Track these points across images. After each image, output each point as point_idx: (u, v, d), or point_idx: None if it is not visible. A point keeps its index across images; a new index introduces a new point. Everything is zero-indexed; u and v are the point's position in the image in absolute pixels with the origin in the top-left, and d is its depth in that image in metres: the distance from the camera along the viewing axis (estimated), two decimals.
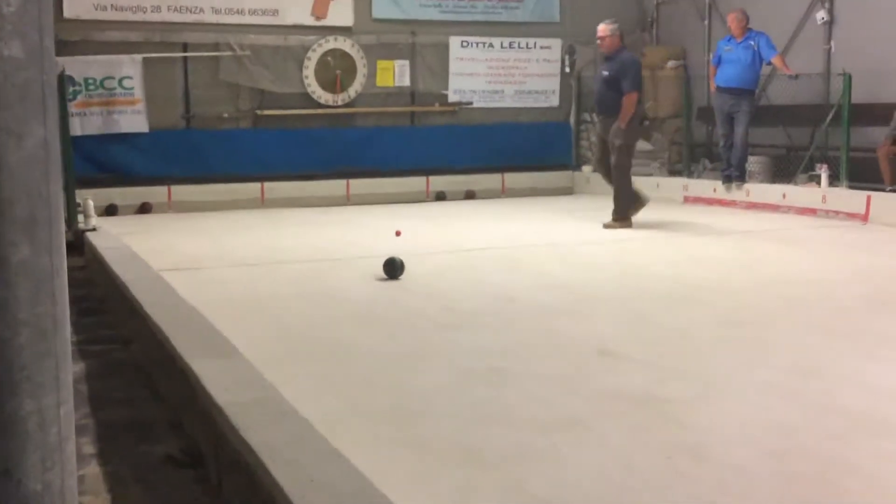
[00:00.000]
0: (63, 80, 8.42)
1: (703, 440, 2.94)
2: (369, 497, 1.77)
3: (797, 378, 3.64)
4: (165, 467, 2.46)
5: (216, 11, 10.79)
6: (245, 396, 2.37)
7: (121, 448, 2.65)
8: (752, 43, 9.34)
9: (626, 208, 8.14)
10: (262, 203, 10.57)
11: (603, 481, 2.63)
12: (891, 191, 8.39)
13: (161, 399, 3.13)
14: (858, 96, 8.86)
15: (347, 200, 10.92)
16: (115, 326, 4.59)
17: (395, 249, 6.25)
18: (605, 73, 8.15)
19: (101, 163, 10.29)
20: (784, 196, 9.04)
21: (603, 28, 8.20)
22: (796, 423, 3.10)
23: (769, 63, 9.39)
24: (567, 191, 11.94)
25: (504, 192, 11.64)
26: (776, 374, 3.68)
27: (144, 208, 10.18)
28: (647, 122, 8.60)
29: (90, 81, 10.29)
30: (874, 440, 2.94)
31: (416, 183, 11.31)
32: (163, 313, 3.51)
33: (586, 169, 12.07)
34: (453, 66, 11.91)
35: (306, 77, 11.18)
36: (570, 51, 12.25)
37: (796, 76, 9.36)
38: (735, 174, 9.62)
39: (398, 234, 7.58)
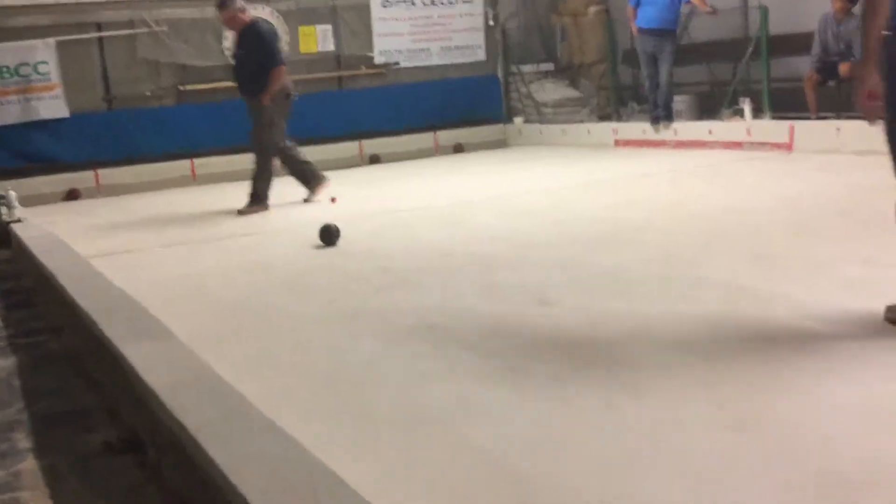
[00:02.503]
0: None
1: (639, 377, 2.99)
2: (308, 466, 1.77)
3: (729, 307, 3.72)
4: (104, 455, 2.44)
5: None
6: (178, 377, 2.34)
7: (57, 440, 2.61)
8: None
9: (263, 190, 7.62)
10: (194, 180, 10.39)
11: (544, 428, 2.66)
12: (817, 118, 8.57)
13: (96, 387, 3.08)
14: (777, 28, 8.99)
15: (280, 170, 10.76)
16: (46, 317, 4.50)
17: (332, 216, 6.20)
18: (241, 50, 7.65)
19: (22, 152, 10.00)
20: (710, 132, 9.17)
21: (219, 15, 7.80)
22: (730, 351, 3.17)
23: (688, 2, 9.46)
24: (500, 144, 11.95)
25: (437, 150, 11.61)
26: (708, 305, 3.76)
27: (72, 195, 9.93)
28: (294, 97, 7.85)
29: (4, 69, 9.96)
30: (803, 358, 3.03)
31: (348, 148, 11.21)
32: (92, 300, 3.45)
33: (518, 121, 12.11)
34: (377, 28, 11.78)
35: (227, 49, 10.93)
36: (492, 4, 12.19)
37: (714, 12, 9.45)
38: (662, 114, 9.72)
39: (333, 200, 7.52)
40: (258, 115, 7.51)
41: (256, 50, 7.45)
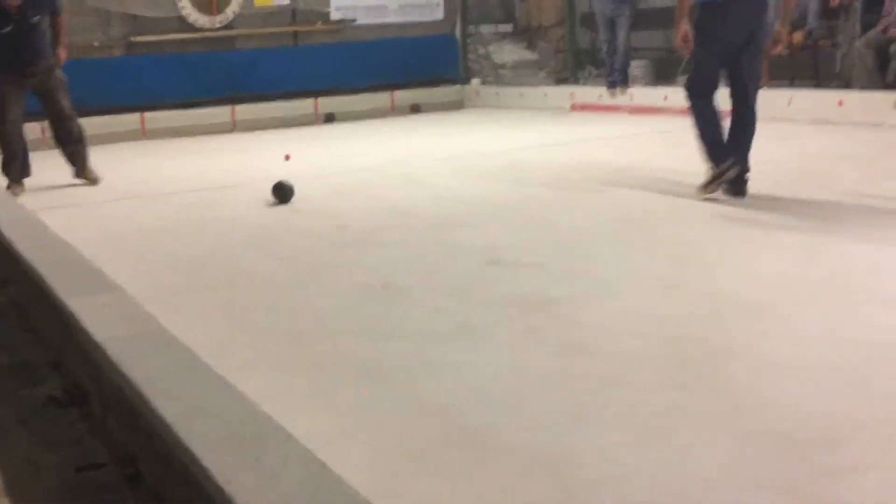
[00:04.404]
0: None
1: (593, 336, 3.01)
2: (256, 420, 1.74)
3: (682, 270, 3.76)
4: (48, 408, 2.39)
5: None
6: (125, 330, 2.29)
7: (1, 393, 2.55)
8: None
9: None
10: (144, 134, 10.16)
11: (497, 384, 2.67)
12: (767, 86, 8.63)
13: (41, 340, 3.02)
14: None
15: (233, 127, 10.60)
16: None
17: (286, 174, 6.11)
18: (34, 18, 6.42)
19: None
20: (666, 98, 9.19)
21: None
22: (681, 312, 3.21)
23: None
24: (457, 105, 11.88)
25: (394, 110, 11.50)
26: (663, 268, 3.80)
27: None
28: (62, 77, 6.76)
29: None
30: (751, 322, 3.07)
31: (303, 105, 11.05)
32: (37, 252, 3.35)
33: (475, 82, 12.03)
34: None
35: (180, 0, 10.68)
36: None
37: None
38: (619, 79, 9.72)
39: (287, 157, 7.42)
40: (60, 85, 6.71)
41: (44, 9, 6.54)
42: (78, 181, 6.82)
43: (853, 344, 2.82)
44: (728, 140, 5.02)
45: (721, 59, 4.95)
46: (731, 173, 4.91)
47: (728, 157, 4.91)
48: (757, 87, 5.04)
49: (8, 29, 6.31)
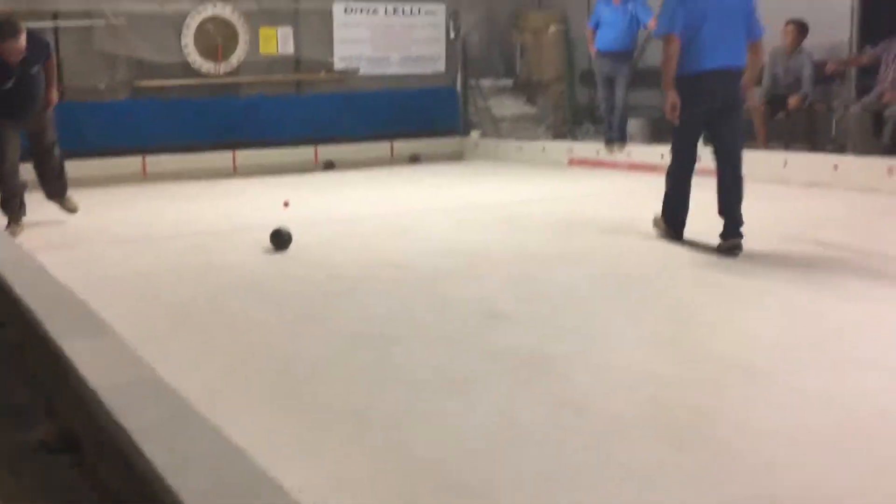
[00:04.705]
0: None
1: (584, 393, 3.03)
2: (247, 470, 1.75)
3: (674, 329, 3.79)
4: (39, 453, 2.39)
5: None
6: (119, 377, 2.31)
7: None
8: (630, 7, 9.54)
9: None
10: (145, 177, 10.23)
11: (487, 438, 2.68)
12: (764, 149, 8.75)
13: (35, 384, 3.02)
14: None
15: (234, 172, 10.68)
16: None
17: (284, 220, 6.16)
18: (34, 70, 6.48)
19: None
20: (662, 156, 9.23)
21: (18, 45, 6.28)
22: (672, 372, 3.23)
23: (646, 27, 9.61)
24: (456, 156, 11.99)
25: (393, 159, 11.61)
26: (655, 327, 3.82)
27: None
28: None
29: None
30: (741, 384, 3.09)
31: (303, 152, 11.16)
32: (34, 294, 3.38)
33: (474, 134, 12.16)
34: (338, 33, 11.75)
35: (186, 46, 10.84)
36: (454, 16, 12.25)
37: None
38: (616, 136, 9.85)
39: (286, 204, 7.48)
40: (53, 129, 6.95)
41: (42, 59, 6.62)
42: (60, 210, 7.01)
43: (842, 409, 2.84)
44: (718, 204, 5.33)
45: (700, 126, 5.40)
46: (671, 240, 5.51)
47: (678, 232, 5.53)
48: (741, 151, 5.37)
49: (10, 84, 6.43)
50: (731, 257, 5.11)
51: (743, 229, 5.22)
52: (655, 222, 5.73)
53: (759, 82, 8.27)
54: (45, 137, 6.87)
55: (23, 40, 6.31)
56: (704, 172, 5.57)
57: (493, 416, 2.84)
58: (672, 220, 5.56)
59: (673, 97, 5.27)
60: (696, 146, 5.48)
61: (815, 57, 8.70)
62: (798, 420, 2.77)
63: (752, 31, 5.34)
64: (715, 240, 5.28)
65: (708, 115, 5.29)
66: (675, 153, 5.54)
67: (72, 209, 7.05)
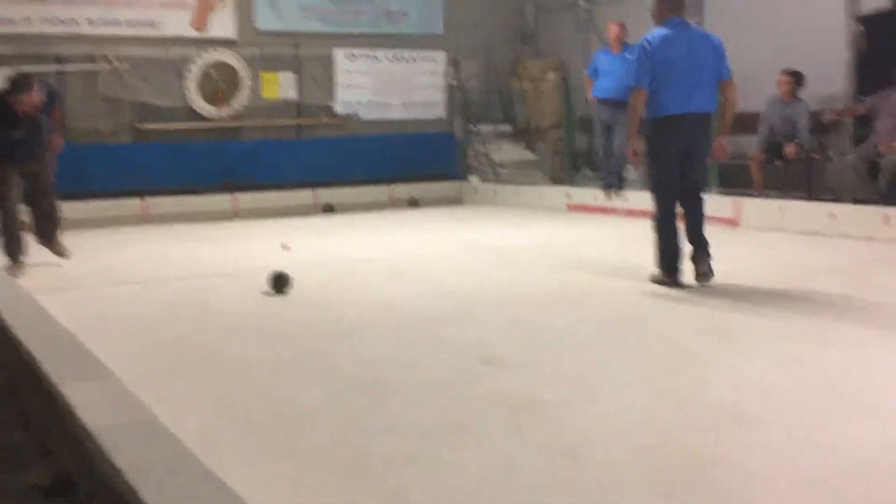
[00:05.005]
0: None
1: (579, 439, 3.03)
2: None
3: (668, 375, 3.79)
4: (34, 495, 2.39)
5: (91, 23, 10.50)
6: (115, 418, 2.32)
7: None
8: (629, 55, 9.64)
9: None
10: (146, 219, 10.30)
11: (483, 484, 2.68)
12: (761, 196, 8.82)
13: (30, 425, 3.03)
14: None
15: (235, 215, 10.75)
16: None
17: (283, 263, 6.20)
18: (41, 118, 6.73)
19: None
20: None
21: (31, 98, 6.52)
22: (668, 418, 3.23)
23: None
24: (455, 201, 12.07)
25: (392, 203, 11.69)
26: (649, 372, 3.83)
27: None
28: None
29: None
30: (736, 430, 3.10)
31: (303, 196, 11.24)
32: (32, 335, 3.39)
33: (473, 179, 12.26)
34: (339, 79, 11.92)
35: (188, 90, 10.98)
36: (454, 63, 12.42)
37: None
38: (615, 182, 9.92)
39: (286, 247, 7.51)
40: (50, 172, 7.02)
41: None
42: (53, 255, 6.98)
43: (838, 455, 2.84)
44: (687, 237, 5.70)
45: (675, 167, 5.66)
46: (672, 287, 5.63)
47: (677, 277, 5.64)
48: (704, 189, 5.88)
49: (18, 134, 6.59)
50: (708, 281, 5.57)
51: (739, 274, 5.41)
52: (653, 279, 5.75)
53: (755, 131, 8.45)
54: (42, 178, 6.94)
55: (35, 94, 6.54)
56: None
57: (489, 463, 2.84)
58: (669, 269, 5.68)
59: (636, 144, 5.65)
60: (674, 186, 5.68)
61: (811, 107, 8.81)
62: (794, 466, 2.77)
63: (721, 73, 5.70)
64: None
65: (674, 157, 5.61)
66: (656, 196, 5.76)
67: (61, 253, 7.02)
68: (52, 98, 6.95)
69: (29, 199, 7.02)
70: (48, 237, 7.04)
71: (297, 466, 2.83)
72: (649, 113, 5.61)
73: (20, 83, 6.56)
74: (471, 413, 3.32)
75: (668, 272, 5.67)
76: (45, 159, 6.93)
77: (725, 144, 5.92)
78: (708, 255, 5.63)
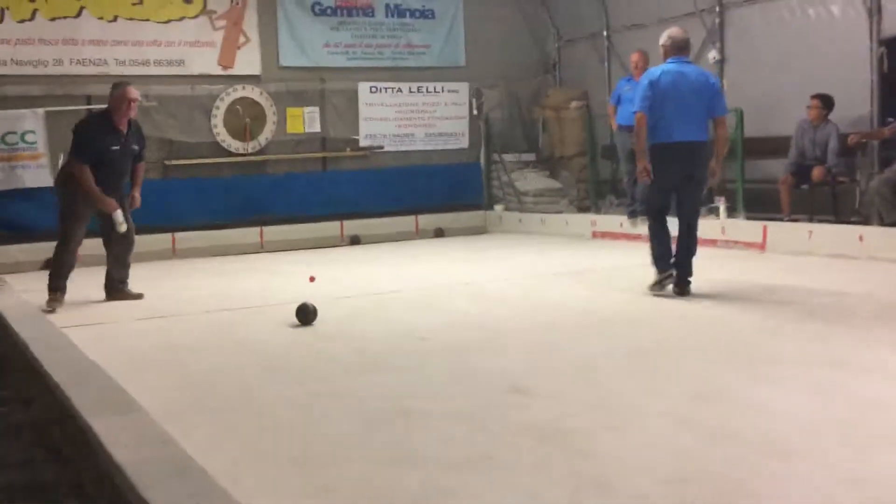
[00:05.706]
0: None
1: (606, 470, 3.01)
2: None
3: (696, 404, 3.76)
4: None
5: (120, 63, 10.69)
6: (145, 453, 2.34)
7: None
8: None
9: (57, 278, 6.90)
10: (174, 254, 10.41)
11: None
12: (788, 220, 8.76)
13: (62, 460, 3.06)
14: (750, 131, 9.27)
15: (261, 248, 10.84)
16: (16, 387, 4.46)
17: (309, 295, 6.23)
18: (136, 146, 7.18)
19: (2, 220, 10.01)
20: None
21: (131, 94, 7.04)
22: (695, 449, 3.20)
23: None
24: (480, 230, 12.09)
25: (418, 234, 11.73)
26: (677, 402, 3.79)
27: (49, 264, 9.86)
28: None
29: None
30: (766, 462, 3.06)
31: (329, 228, 11.31)
32: (63, 371, 3.44)
33: (498, 208, 12.28)
34: (363, 112, 12.02)
35: (215, 126, 11.13)
36: (476, 94, 12.50)
37: None
38: (640, 209, 9.88)
39: (312, 279, 7.56)
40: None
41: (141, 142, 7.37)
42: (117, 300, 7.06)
43: (870, 487, 2.79)
44: (675, 257, 6.30)
45: (671, 188, 6.36)
46: (669, 281, 6.29)
47: (670, 268, 6.28)
48: (698, 215, 6.50)
49: (117, 148, 6.92)
50: (686, 296, 6.19)
51: (768, 300, 5.79)
52: (651, 287, 6.32)
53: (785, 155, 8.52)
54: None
55: (131, 90, 7.04)
56: None
57: (514, 494, 2.83)
58: (659, 265, 6.31)
59: (644, 164, 6.32)
60: (666, 202, 6.44)
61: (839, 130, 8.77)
62: (824, 498, 2.73)
63: (714, 109, 6.31)
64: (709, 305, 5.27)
65: (673, 181, 6.28)
66: (649, 209, 6.57)
67: (135, 297, 7.13)
68: (143, 139, 7.36)
69: (112, 244, 7.24)
70: (120, 284, 7.18)
71: (326, 502, 2.83)
72: (654, 138, 6.26)
73: (118, 84, 7.10)
74: (497, 444, 3.31)
75: (660, 269, 6.27)
76: (125, 205, 7.17)
77: (717, 168, 6.41)
78: (687, 279, 6.28)
